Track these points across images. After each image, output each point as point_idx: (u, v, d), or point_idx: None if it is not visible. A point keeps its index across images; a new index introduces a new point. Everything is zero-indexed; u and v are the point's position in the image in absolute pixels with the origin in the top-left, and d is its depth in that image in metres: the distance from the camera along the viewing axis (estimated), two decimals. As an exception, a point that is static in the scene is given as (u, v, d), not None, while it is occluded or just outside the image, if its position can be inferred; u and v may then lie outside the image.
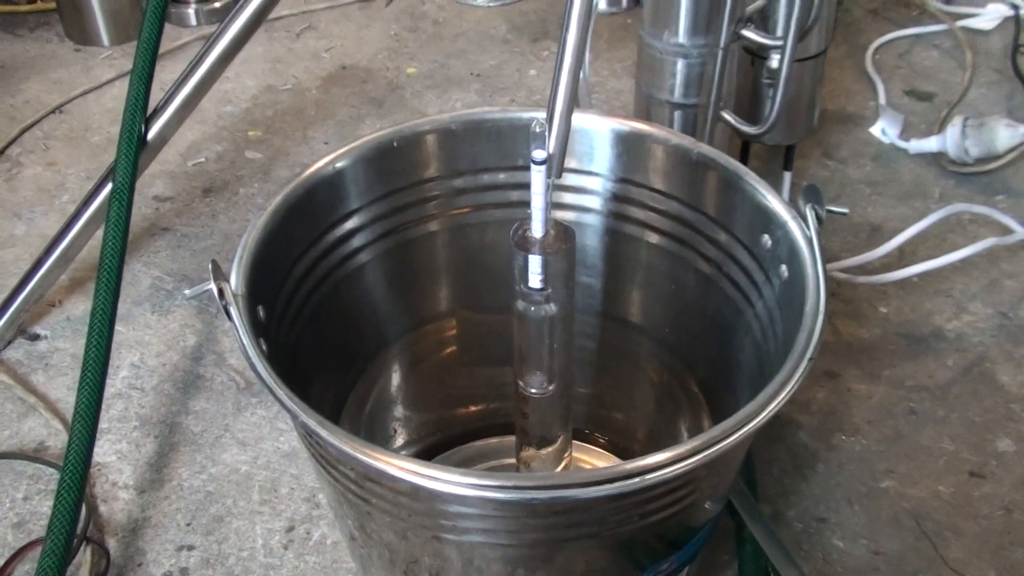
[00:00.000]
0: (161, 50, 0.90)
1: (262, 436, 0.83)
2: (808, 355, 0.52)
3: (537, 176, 0.53)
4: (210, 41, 0.90)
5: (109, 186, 0.85)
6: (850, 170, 1.10)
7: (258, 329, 0.55)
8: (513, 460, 0.68)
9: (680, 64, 0.84)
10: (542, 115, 0.55)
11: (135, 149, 0.86)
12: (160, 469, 0.81)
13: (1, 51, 1.35)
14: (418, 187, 0.68)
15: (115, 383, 0.87)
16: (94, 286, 0.79)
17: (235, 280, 0.56)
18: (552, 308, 0.58)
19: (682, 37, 0.83)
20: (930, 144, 1.09)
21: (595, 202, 0.69)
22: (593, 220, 0.69)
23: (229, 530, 0.76)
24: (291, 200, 0.62)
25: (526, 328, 0.59)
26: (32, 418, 0.85)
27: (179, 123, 0.91)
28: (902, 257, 0.96)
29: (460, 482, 0.47)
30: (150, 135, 0.89)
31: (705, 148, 0.65)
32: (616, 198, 0.68)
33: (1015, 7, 1.32)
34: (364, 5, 1.45)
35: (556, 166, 0.55)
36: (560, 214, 0.65)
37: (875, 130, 1.15)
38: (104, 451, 0.82)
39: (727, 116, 0.87)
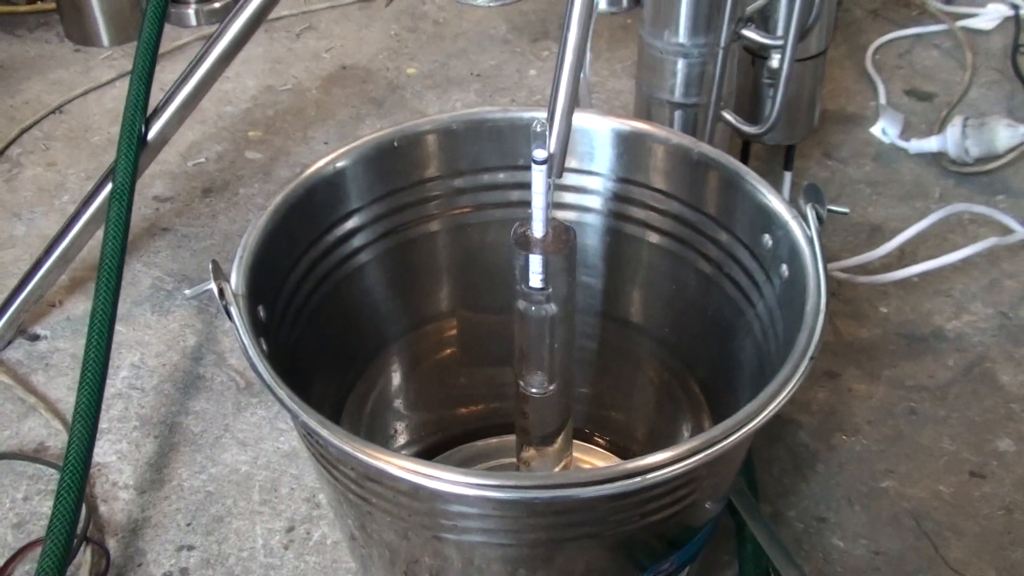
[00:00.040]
0: (161, 50, 0.90)
1: (262, 436, 0.83)
2: (809, 354, 0.52)
3: (538, 176, 0.53)
4: (210, 41, 0.90)
5: (109, 186, 0.85)
6: (850, 170, 1.10)
7: (258, 329, 0.55)
8: (513, 460, 0.68)
9: (681, 64, 0.84)
10: (543, 115, 0.55)
11: (135, 149, 0.86)
12: (160, 469, 0.80)
13: (1, 51, 1.35)
14: (418, 187, 0.68)
15: (115, 383, 0.87)
16: (94, 286, 0.79)
17: (235, 280, 0.56)
18: (553, 308, 0.58)
19: (683, 37, 0.83)
20: (930, 144, 1.09)
21: (596, 202, 0.69)
22: (594, 220, 0.69)
23: (229, 530, 0.76)
24: (291, 200, 0.62)
25: (527, 328, 0.59)
26: (32, 418, 0.85)
27: (179, 123, 0.91)
28: (902, 257, 0.96)
29: (460, 482, 0.47)
30: (150, 135, 0.89)
31: (706, 148, 0.65)
32: (617, 198, 0.68)
33: (1015, 7, 1.32)
34: (364, 5, 1.44)
35: (557, 166, 0.55)
36: (561, 214, 0.65)
37: (875, 130, 1.15)
38: (104, 451, 0.82)
39: (727, 116, 0.87)
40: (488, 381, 0.76)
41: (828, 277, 0.56)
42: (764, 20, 0.89)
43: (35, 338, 0.93)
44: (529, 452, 0.66)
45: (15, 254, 1.02)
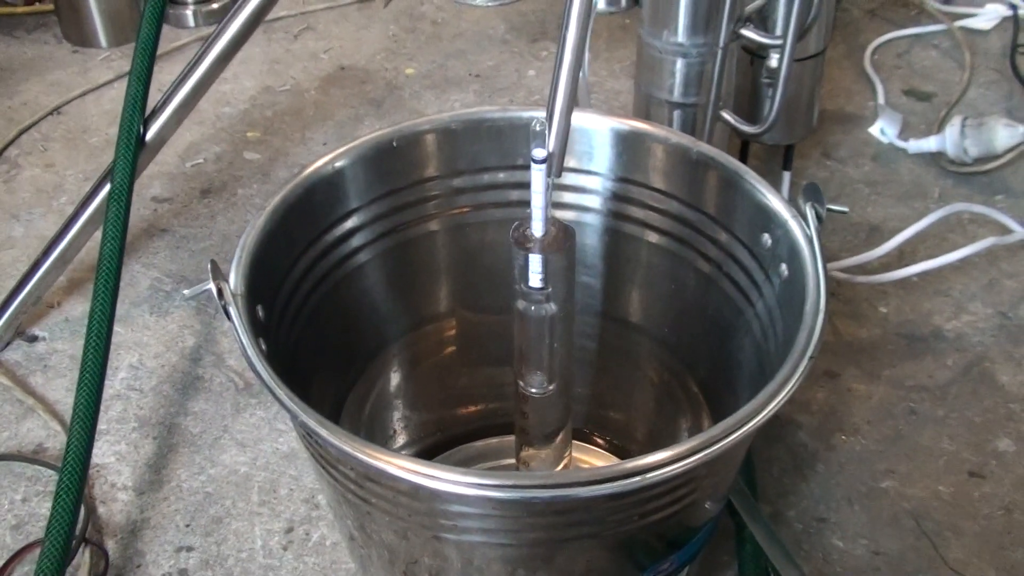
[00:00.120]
0: (159, 51, 0.90)
1: (261, 437, 0.83)
2: (808, 354, 0.52)
3: (537, 175, 0.53)
4: (208, 42, 0.90)
5: (107, 187, 0.85)
6: (849, 170, 1.10)
7: (257, 329, 0.55)
8: (513, 460, 0.68)
9: (679, 63, 0.84)
10: (542, 114, 0.55)
11: (133, 150, 0.86)
12: (159, 470, 0.80)
13: (-1, 52, 1.35)
14: (417, 187, 0.68)
15: (114, 384, 0.87)
16: (92, 287, 0.79)
17: (234, 280, 0.56)
18: (552, 307, 0.58)
19: (681, 36, 0.83)
20: (929, 144, 1.09)
21: (595, 201, 0.69)
22: (593, 219, 0.69)
23: (228, 531, 0.76)
24: (290, 200, 0.62)
25: (526, 328, 0.59)
26: (31, 420, 0.85)
27: (177, 124, 0.91)
28: (902, 257, 0.96)
29: (460, 481, 0.47)
30: (148, 136, 0.89)
31: (705, 147, 0.65)
32: (616, 197, 0.68)
33: (1013, 7, 1.32)
34: (363, 6, 1.44)
35: (556, 165, 0.54)
36: (560, 213, 0.65)
37: (874, 130, 1.15)
38: (103, 452, 0.82)
39: (726, 115, 0.87)
40: (488, 381, 0.76)
41: (827, 277, 0.56)
42: (763, 20, 0.89)
43: (33, 339, 0.93)
44: (529, 452, 0.66)
45: (13, 255, 1.02)
